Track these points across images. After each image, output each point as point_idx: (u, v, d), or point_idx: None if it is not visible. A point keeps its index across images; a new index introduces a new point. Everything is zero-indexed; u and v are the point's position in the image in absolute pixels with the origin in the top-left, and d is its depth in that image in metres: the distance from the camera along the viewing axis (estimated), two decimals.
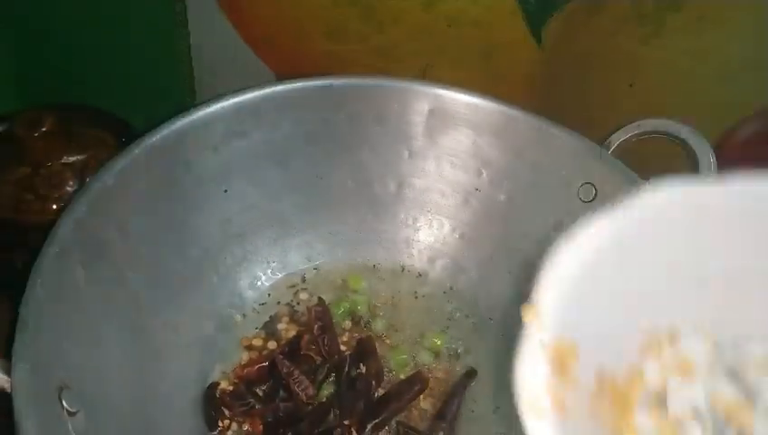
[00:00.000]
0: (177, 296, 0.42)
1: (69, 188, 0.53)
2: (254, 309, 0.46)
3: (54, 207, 0.49)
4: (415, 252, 0.50)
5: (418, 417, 0.42)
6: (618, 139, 0.45)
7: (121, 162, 0.38)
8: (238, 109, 0.44)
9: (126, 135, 0.52)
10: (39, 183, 0.53)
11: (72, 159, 0.54)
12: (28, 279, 0.31)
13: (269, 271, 0.48)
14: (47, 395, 0.29)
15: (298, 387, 0.39)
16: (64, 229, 0.33)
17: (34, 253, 0.33)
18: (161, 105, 0.46)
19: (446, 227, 0.50)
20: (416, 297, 0.49)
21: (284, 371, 0.40)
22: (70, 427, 0.29)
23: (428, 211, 0.50)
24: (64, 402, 0.29)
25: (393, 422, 0.41)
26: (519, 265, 0.48)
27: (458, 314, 0.48)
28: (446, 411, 0.41)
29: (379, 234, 0.50)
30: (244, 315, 0.46)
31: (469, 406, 0.43)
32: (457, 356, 0.45)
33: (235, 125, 0.44)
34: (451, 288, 0.49)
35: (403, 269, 0.50)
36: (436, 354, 0.45)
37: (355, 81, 0.47)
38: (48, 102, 0.55)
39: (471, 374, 0.44)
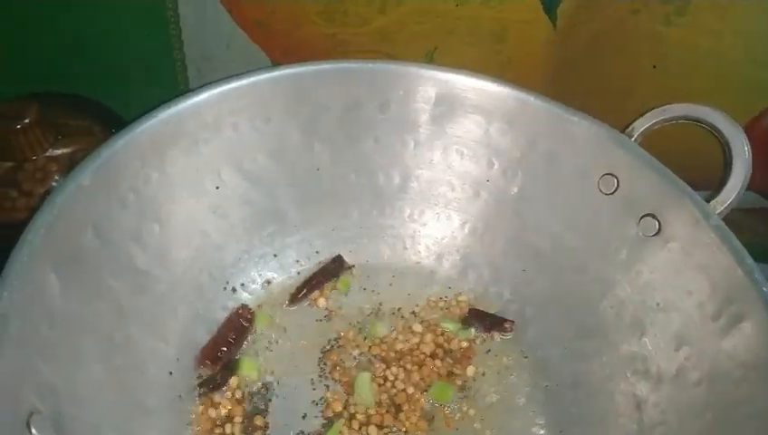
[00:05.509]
0: (166, 301, 0.39)
1: (55, 184, 0.50)
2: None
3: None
4: (422, 248, 0.47)
5: None
6: (641, 125, 0.42)
7: (99, 159, 0.35)
8: (228, 96, 0.41)
9: (115, 125, 0.49)
10: (23, 178, 0.50)
11: (57, 152, 0.51)
12: None
13: (266, 271, 0.45)
14: (14, 422, 0.26)
15: None
16: (34, 235, 0.30)
17: None
18: (152, 95, 0.43)
19: (456, 222, 0.47)
20: (424, 296, 0.45)
21: None
22: None
23: (436, 205, 0.47)
24: (34, 430, 0.26)
25: None
26: (534, 262, 0.45)
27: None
28: None
29: (384, 229, 0.47)
30: None
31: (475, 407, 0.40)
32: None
33: (225, 114, 0.41)
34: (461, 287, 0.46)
35: (410, 267, 0.47)
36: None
37: (356, 65, 0.43)
38: (31, 92, 0.52)
39: None
